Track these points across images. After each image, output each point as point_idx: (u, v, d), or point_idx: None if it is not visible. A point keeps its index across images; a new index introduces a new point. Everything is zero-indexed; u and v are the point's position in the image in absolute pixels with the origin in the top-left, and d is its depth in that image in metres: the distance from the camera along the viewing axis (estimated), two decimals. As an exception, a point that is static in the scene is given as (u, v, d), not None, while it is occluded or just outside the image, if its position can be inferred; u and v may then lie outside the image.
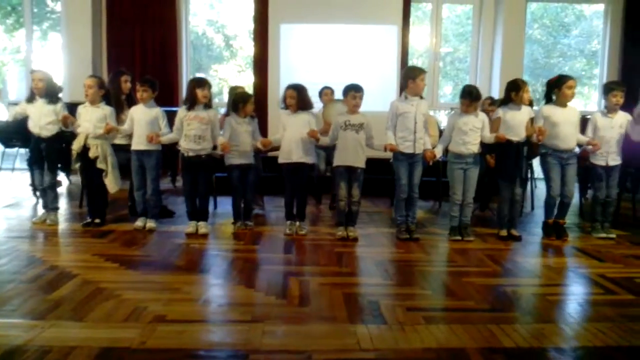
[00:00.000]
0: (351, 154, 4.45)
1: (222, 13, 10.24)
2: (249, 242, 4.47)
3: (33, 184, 6.04)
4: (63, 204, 5.02)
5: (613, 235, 4.79)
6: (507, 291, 3.33)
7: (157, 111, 4.70)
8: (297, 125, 4.57)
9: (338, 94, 5.89)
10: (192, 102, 4.50)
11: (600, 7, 9.11)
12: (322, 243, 4.44)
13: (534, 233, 4.91)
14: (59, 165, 5.00)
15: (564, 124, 4.56)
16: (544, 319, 2.91)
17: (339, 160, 4.52)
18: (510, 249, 4.41)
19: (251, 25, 8.46)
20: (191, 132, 4.49)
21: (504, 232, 4.66)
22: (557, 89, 4.61)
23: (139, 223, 4.76)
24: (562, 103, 4.62)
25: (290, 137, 4.59)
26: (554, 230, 4.74)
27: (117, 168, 4.75)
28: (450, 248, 4.41)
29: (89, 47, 8.05)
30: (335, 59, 7.93)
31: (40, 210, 5.04)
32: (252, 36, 8.49)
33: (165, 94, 6.79)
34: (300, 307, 2.99)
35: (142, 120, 4.63)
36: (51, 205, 4.87)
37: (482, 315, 2.93)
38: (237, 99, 4.74)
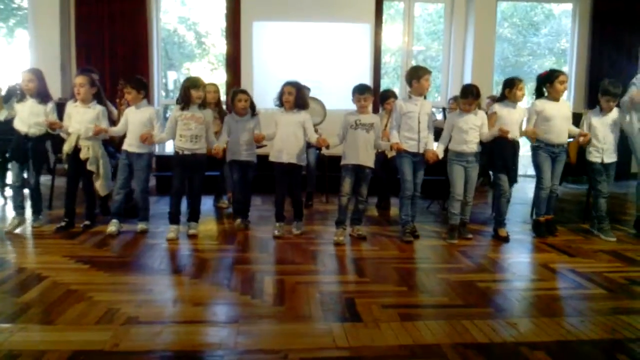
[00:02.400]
0: (361, 153, 4.38)
1: (194, 10, 10.14)
2: (224, 241, 4.44)
3: (1, 185, 5.90)
4: (29, 205, 4.88)
5: (613, 239, 4.69)
6: (481, 287, 3.37)
7: (151, 112, 4.59)
8: (290, 125, 4.49)
9: (312, 93, 5.88)
10: (186, 103, 4.43)
11: (569, 6, 9.27)
12: (298, 241, 4.43)
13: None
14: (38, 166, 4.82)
15: (557, 118, 4.60)
16: (517, 314, 2.96)
17: (347, 158, 4.43)
18: (482, 245, 4.47)
19: (223, 23, 8.41)
20: (188, 132, 4.41)
21: (503, 232, 4.65)
22: (549, 83, 4.63)
23: (112, 228, 4.52)
24: (555, 97, 4.65)
25: (282, 136, 4.50)
26: (545, 227, 4.78)
27: (109, 170, 4.67)
28: (425, 245, 4.44)
29: (57, 45, 7.89)
30: (308, 56, 7.94)
31: (10, 213, 4.91)
32: (224, 34, 8.44)
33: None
34: (276, 306, 2.98)
35: (136, 122, 4.52)
36: (35, 208, 4.76)
37: (456, 311, 2.95)
38: (231, 97, 4.82)
